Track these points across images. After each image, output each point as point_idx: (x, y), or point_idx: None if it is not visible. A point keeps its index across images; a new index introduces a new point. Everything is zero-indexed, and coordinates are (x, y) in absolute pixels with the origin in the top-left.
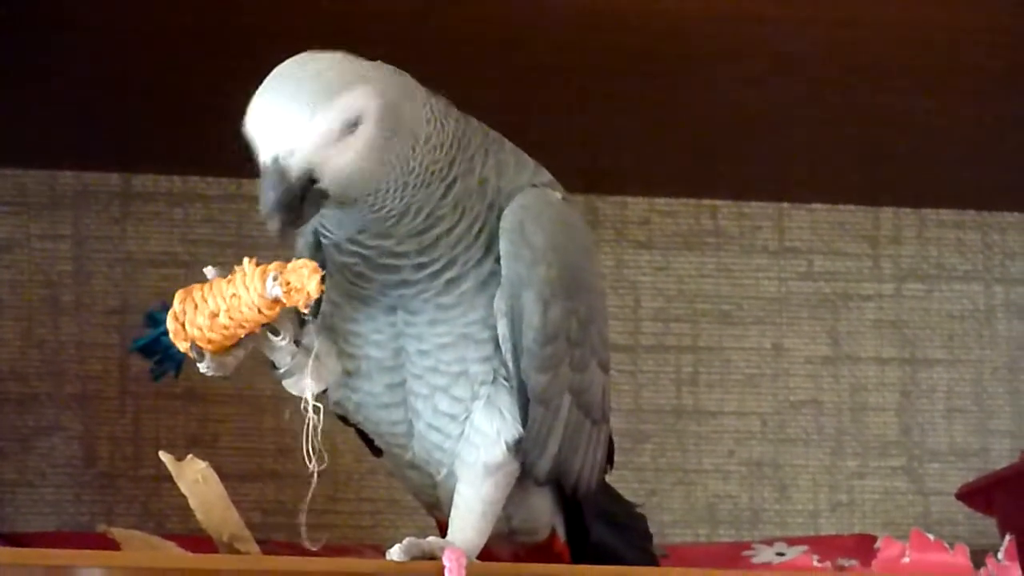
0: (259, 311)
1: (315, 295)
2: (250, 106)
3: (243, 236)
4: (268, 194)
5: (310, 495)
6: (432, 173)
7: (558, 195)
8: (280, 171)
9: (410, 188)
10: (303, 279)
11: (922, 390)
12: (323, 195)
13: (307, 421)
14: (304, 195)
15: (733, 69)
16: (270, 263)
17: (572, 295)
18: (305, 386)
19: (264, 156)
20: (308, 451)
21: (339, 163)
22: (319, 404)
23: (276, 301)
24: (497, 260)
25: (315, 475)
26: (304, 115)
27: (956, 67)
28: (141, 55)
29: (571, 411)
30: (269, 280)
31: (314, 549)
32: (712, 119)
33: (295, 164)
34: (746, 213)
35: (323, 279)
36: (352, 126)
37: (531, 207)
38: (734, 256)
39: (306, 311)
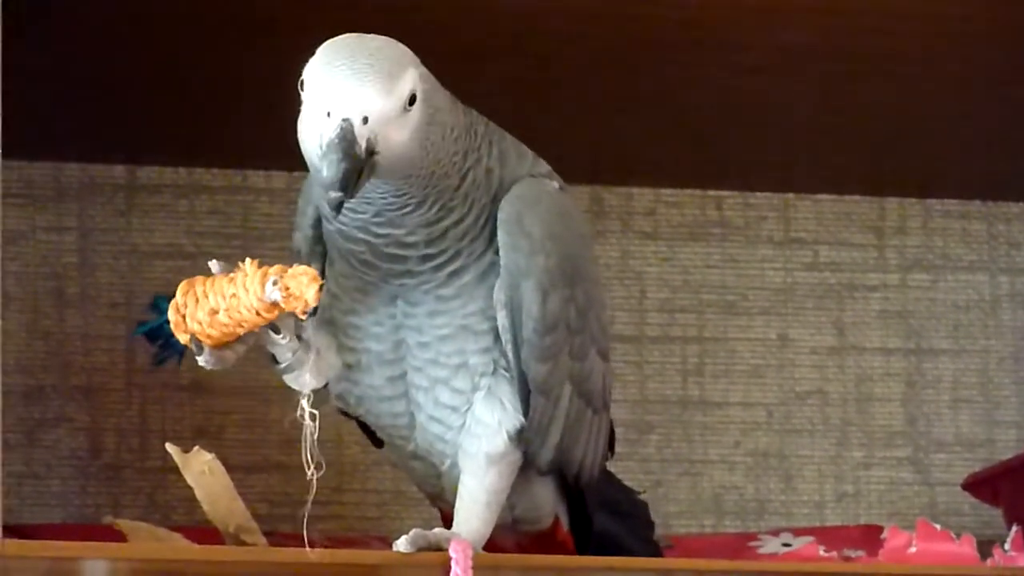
0: (257, 313)
1: (312, 304)
2: (315, 69)
3: (248, 228)
4: (337, 163)
5: (309, 504)
6: (453, 164)
7: (555, 184)
8: (350, 138)
9: (435, 177)
10: (302, 286)
11: (928, 380)
12: (375, 168)
13: (304, 428)
14: (364, 166)
15: (739, 60)
16: (272, 265)
17: (571, 284)
18: (305, 382)
19: (335, 119)
20: (307, 459)
21: (397, 138)
22: (315, 412)
23: (274, 305)
24: (497, 251)
25: (314, 483)
26: (380, 84)
27: (961, 57)
28: (146, 47)
29: (572, 400)
30: (268, 284)
31: (314, 558)
32: (718, 110)
33: (366, 131)
34: (751, 204)
35: (321, 288)
36: (410, 104)
37: (528, 197)
38: (739, 247)
39: (304, 318)
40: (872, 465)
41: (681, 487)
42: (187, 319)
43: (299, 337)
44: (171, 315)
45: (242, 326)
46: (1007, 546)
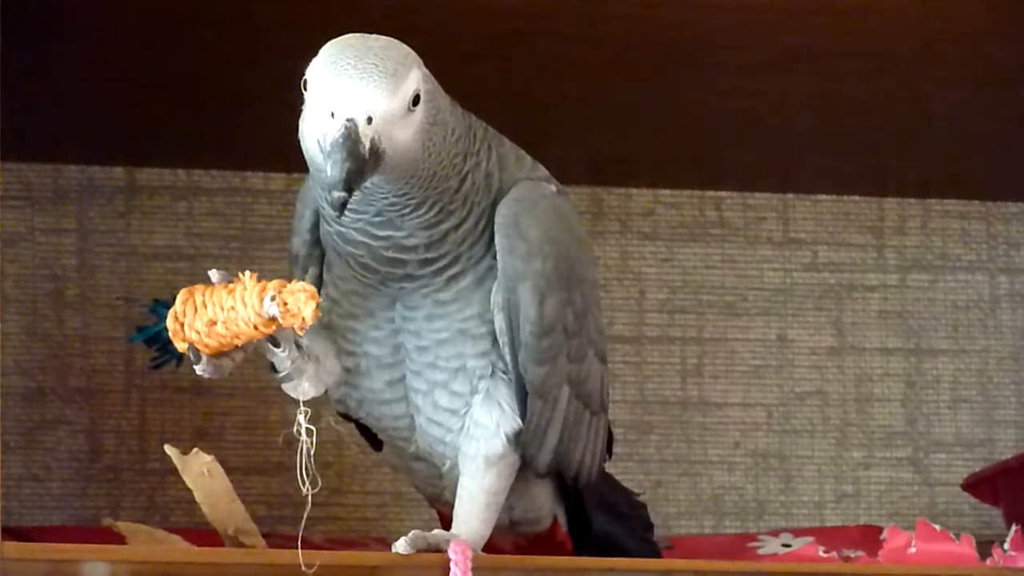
0: (255, 327)
1: (310, 321)
2: (319, 69)
3: (247, 229)
4: (341, 163)
5: (304, 520)
6: (453, 166)
7: (553, 188)
8: (355, 138)
9: (436, 179)
10: (300, 303)
11: (927, 381)
12: (379, 168)
13: (301, 444)
14: (368, 166)
15: (738, 60)
16: (271, 277)
17: (568, 287)
18: (305, 390)
19: (339, 118)
20: (302, 475)
21: (401, 138)
22: (312, 428)
23: (272, 320)
24: (495, 255)
25: (309, 499)
26: (385, 84)
27: (961, 57)
28: (145, 50)
29: (570, 402)
30: (267, 300)
31: (313, 560)
32: (717, 110)
33: (370, 131)
34: (750, 204)
35: (318, 306)
36: (414, 104)
37: (525, 200)
38: (739, 247)
39: (301, 334)
40: (872, 465)
41: (681, 488)
42: (185, 328)
43: (298, 346)
44: (169, 323)
45: (239, 338)
46: (1006, 546)
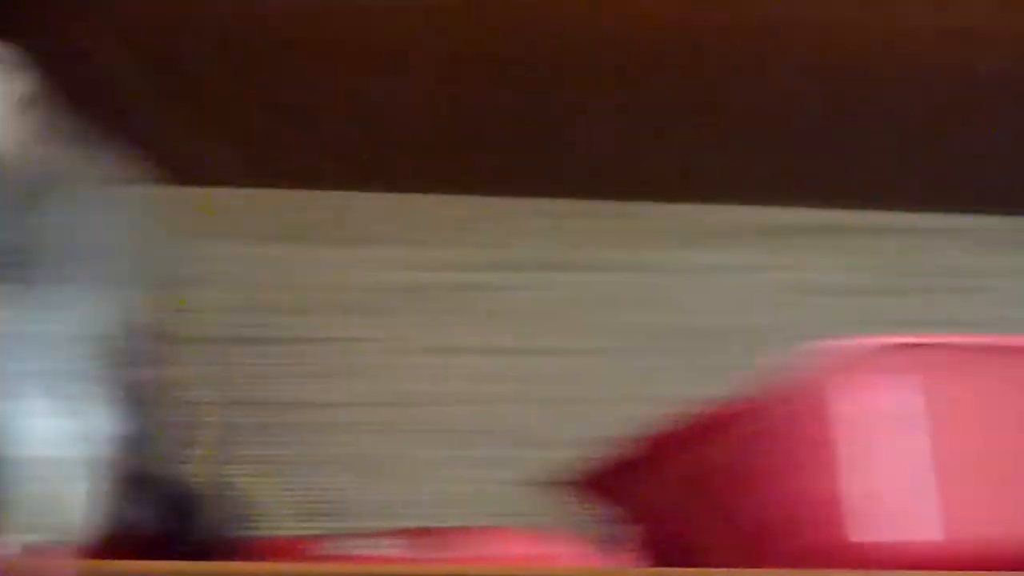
0: None
1: None
2: None
3: None
4: None
5: None
6: (42, 166)
7: (125, 188)
8: None
9: (24, 181)
10: None
11: (533, 380)
12: None
13: None
14: None
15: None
16: None
17: (147, 288)
18: None
19: None
20: None
21: None
22: None
23: None
24: (75, 259)
25: None
26: None
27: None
28: None
29: (157, 405)
30: None
31: None
32: (321, 106)
33: None
34: (355, 204)
35: None
36: (9, 104)
37: (100, 203)
38: (347, 247)
39: None
40: (473, 465)
41: (279, 490)
42: None
43: None
44: None
45: None
46: (610, 547)
